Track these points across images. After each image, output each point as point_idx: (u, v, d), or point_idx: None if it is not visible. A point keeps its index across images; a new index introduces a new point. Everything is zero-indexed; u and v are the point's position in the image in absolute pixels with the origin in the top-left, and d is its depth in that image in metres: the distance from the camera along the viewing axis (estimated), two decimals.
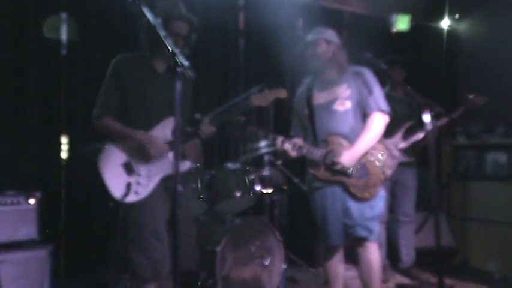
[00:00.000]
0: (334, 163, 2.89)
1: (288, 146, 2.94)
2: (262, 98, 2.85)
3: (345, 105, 2.98)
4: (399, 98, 4.31)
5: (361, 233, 2.95)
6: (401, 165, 4.08)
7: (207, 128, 2.69)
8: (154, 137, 2.64)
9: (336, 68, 3.02)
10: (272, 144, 3.02)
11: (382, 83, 3.21)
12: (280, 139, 2.96)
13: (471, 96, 4.18)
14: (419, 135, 4.03)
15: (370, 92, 2.96)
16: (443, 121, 4.07)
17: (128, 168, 2.65)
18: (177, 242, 2.06)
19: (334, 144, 2.95)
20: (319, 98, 3.06)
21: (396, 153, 4.03)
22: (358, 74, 3.02)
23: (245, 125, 2.89)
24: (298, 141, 3.08)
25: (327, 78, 3.06)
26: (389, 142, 4.03)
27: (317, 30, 3.11)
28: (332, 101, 3.01)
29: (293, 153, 2.96)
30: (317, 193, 3.06)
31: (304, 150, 2.95)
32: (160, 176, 2.65)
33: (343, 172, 2.91)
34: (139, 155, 2.64)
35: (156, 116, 2.68)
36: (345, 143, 2.95)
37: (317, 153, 2.94)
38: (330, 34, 3.09)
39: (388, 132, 3.86)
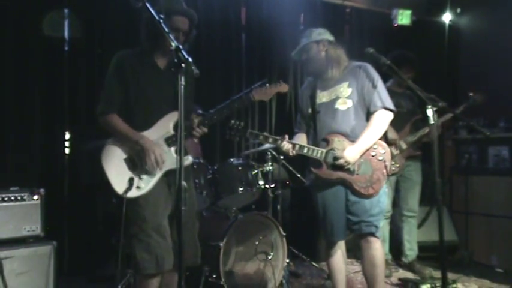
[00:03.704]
0: (337, 157, 2.90)
1: (288, 147, 2.95)
2: (264, 93, 2.84)
3: (346, 104, 2.98)
4: (401, 92, 4.31)
5: (366, 229, 2.95)
6: (407, 159, 4.10)
7: (198, 129, 2.69)
8: (156, 145, 2.63)
9: (333, 65, 3.03)
10: (274, 145, 3.03)
11: (384, 78, 3.21)
12: (280, 140, 2.96)
13: (471, 94, 4.19)
14: (426, 129, 4.05)
15: (373, 89, 2.95)
16: (446, 117, 4.07)
17: (131, 163, 2.65)
18: (181, 237, 2.07)
19: (334, 143, 2.96)
20: (322, 97, 3.07)
21: (404, 146, 4.06)
22: (360, 71, 3.01)
23: (245, 129, 2.90)
24: (299, 141, 3.09)
25: (328, 76, 3.06)
26: (398, 136, 4.06)
27: (305, 33, 3.11)
28: (334, 100, 3.01)
29: (292, 153, 2.97)
30: (319, 191, 3.07)
31: (305, 150, 2.96)
32: (162, 171, 2.66)
33: (346, 169, 2.92)
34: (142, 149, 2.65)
35: (159, 111, 2.68)
36: (345, 141, 2.95)
37: (318, 152, 2.95)
38: (318, 33, 3.08)
39: (396, 127, 3.89)
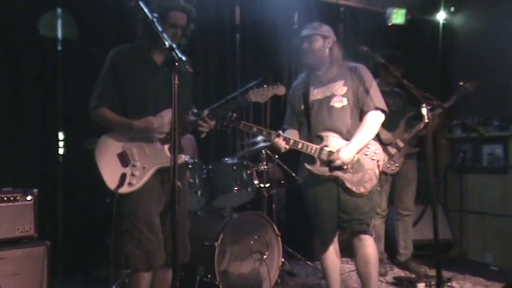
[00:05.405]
0: (333, 159, 2.89)
1: (281, 141, 2.92)
2: (261, 95, 2.80)
3: (342, 102, 2.98)
4: (388, 91, 4.30)
5: (358, 227, 2.96)
6: (404, 157, 4.11)
7: (206, 122, 2.67)
8: (150, 117, 2.63)
9: (332, 64, 3.04)
10: (267, 138, 3.01)
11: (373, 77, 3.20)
12: (274, 134, 2.93)
13: (461, 83, 4.21)
14: (421, 125, 4.06)
15: (367, 90, 2.97)
16: (437, 111, 4.06)
17: (123, 159, 2.65)
18: (176, 238, 2.06)
19: (329, 140, 2.95)
20: (316, 93, 3.06)
21: (401, 144, 4.06)
22: (355, 71, 3.02)
23: (238, 120, 2.87)
24: (293, 135, 3.08)
25: (323, 74, 3.06)
26: (393, 135, 4.06)
27: (313, 25, 3.09)
28: (329, 97, 3.01)
29: (285, 148, 2.94)
30: (311, 188, 3.07)
31: (299, 145, 2.95)
32: (155, 168, 2.65)
33: (340, 167, 2.91)
34: (135, 145, 2.65)
35: (155, 108, 2.66)
36: (340, 139, 2.95)
37: (312, 148, 2.94)
38: (327, 30, 3.08)
39: (388, 126, 3.89)
